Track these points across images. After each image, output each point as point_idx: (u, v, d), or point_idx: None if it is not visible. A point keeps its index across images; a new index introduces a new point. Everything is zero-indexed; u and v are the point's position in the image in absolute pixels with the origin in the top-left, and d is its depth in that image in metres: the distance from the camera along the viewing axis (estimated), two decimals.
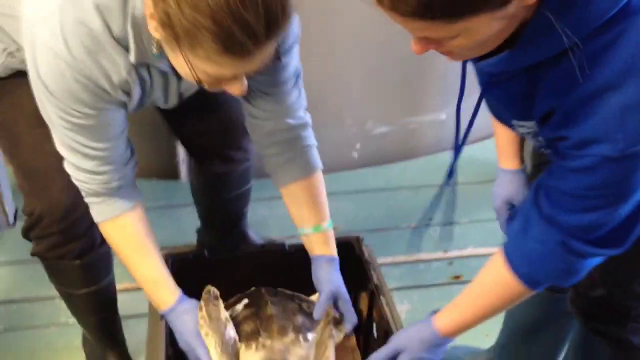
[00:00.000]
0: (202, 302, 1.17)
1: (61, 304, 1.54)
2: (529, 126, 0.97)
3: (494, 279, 1.04)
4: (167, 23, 0.84)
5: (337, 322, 1.28)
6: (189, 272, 1.36)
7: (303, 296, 1.38)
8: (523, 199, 1.22)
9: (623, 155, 0.83)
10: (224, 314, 1.19)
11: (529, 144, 1.18)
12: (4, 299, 1.90)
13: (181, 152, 2.26)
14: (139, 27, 0.96)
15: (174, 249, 1.29)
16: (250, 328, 1.23)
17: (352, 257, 1.48)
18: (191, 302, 1.21)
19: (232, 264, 1.52)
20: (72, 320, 1.57)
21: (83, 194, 1.16)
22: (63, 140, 1.08)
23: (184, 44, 0.86)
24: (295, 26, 1.11)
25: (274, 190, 1.33)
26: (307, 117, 1.26)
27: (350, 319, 1.27)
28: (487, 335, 1.63)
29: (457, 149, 1.20)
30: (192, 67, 0.89)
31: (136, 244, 1.20)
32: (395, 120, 2.45)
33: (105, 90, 1.01)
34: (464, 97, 1.09)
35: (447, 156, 2.42)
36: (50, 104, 1.02)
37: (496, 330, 1.58)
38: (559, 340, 1.50)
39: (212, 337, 1.15)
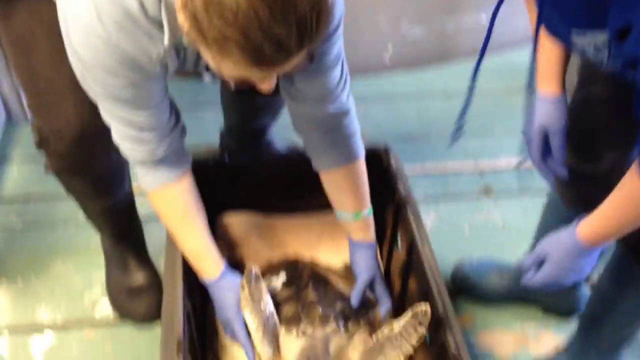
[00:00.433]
0: (243, 281, 1.19)
1: None
2: (593, 38, 0.88)
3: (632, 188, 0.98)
4: (196, 26, 0.81)
5: (372, 305, 1.31)
6: (209, 177, 1.36)
7: (334, 275, 1.42)
8: (561, 128, 1.16)
9: None
10: (266, 297, 1.22)
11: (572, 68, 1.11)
12: (21, 194, 1.88)
13: None
14: (172, 11, 0.91)
15: (195, 152, 1.26)
16: (292, 312, 1.27)
17: (379, 168, 1.46)
18: (234, 277, 1.23)
19: (253, 171, 1.52)
20: None
21: (130, 162, 1.17)
22: (106, 107, 1.08)
23: (213, 49, 0.82)
24: (339, 6, 1.03)
25: None
26: (350, 103, 1.22)
27: (385, 304, 1.29)
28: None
29: (483, 49, 1.16)
30: (220, 68, 0.86)
31: (180, 215, 1.21)
32: (431, 20, 2.36)
33: (141, 66, 1.00)
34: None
35: (485, 61, 2.30)
36: (90, 76, 1.02)
37: None
38: None
39: (254, 320, 1.19)
